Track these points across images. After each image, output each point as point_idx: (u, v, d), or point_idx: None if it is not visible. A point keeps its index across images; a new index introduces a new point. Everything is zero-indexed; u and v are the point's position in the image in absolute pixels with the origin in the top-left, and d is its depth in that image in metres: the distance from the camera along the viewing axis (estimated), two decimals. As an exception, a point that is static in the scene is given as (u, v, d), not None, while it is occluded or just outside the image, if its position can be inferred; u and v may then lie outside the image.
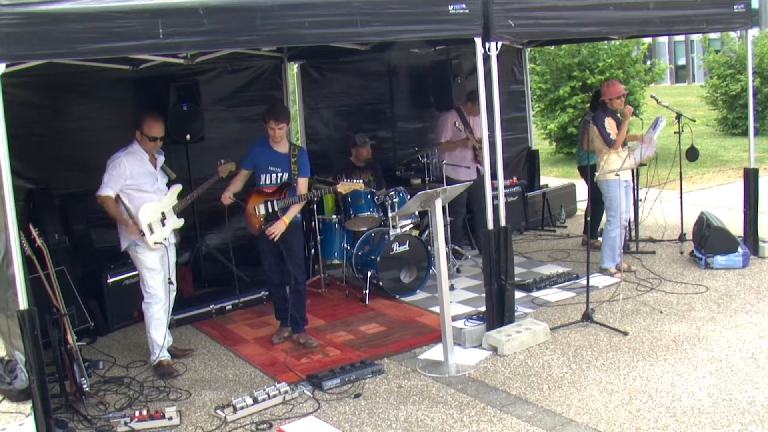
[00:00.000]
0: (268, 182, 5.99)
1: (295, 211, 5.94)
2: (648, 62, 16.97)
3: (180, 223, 5.87)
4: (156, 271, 5.64)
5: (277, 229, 5.83)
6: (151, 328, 5.67)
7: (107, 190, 5.50)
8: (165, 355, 5.73)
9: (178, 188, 5.85)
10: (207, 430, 4.73)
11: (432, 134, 9.58)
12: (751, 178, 7.61)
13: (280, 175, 5.97)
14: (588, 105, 9.98)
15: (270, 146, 5.98)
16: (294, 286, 6.07)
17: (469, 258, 8.13)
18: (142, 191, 5.58)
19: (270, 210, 5.92)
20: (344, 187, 6.00)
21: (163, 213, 5.67)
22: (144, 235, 5.51)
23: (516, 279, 6.26)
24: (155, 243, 5.57)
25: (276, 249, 6.06)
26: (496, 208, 5.84)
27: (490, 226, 5.80)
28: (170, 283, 5.80)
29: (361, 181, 6.15)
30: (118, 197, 5.54)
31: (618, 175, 6.99)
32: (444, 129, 8.12)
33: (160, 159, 5.80)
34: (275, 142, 5.95)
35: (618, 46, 14.62)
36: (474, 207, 8.21)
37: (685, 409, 4.56)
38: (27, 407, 4.98)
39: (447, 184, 6.85)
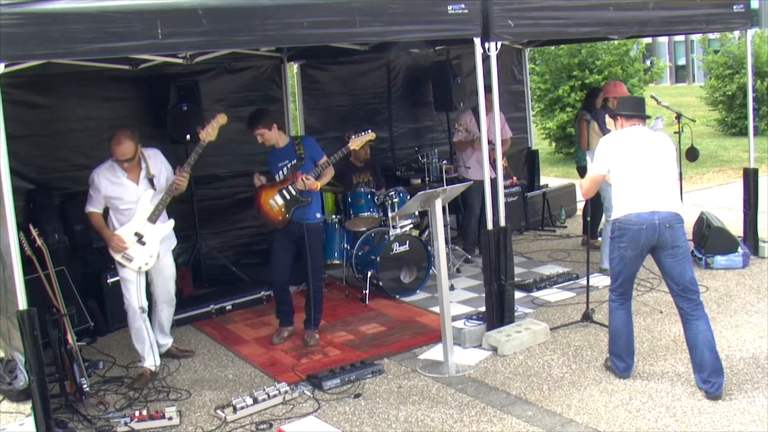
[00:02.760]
0: (280, 178, 6.03)
1: (326, 177, 6.00)
2: (647, 61, 16.99)
3: (167, 227, 5.54)
4: (129, 281, 5.43)
5: (308, 183, 5.80)
6: (133, 339, 5.55)
7: (89, 207, 5.43)
8: (150, 365, 5.56)
9: (148, 194, 5.41)
10: (207, 430, 4.73)
11: (431, 134, 9.62)
12: (750, 178, 7.61)
13: (289, 164, 5.99)
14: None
15: (275, 148, 6.04)
16: (308, 287, 6.07)
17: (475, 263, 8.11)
18: (125, 205, 5.37)
19: (288, 197, 5.91)
20: (356, 142, 5.94)
21: (137, 233, 5.36)
22: (124, 266, 5.39)
23: (516, 279, 6.26)
24: (139, 268, 5.41)
25: (290, 249, 6.07)
26: (495, 208, 5.85)
27: (490, 226, 5.80)
28: (143, 311, 5.46)
29: (369, 130, 6.06)
30: (107, 213, 5.44)
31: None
32: (455, 129, 8.16)
33: (154, 161, 5.48)
34: (274, 145, 6.01)
35: (617, 45, 14.63)
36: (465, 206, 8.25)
37: (685, 409, 4.56)
38: (27, 407, 4.98)
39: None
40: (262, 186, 6.05)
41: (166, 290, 5.71)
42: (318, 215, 6.10)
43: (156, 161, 5.55)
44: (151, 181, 5.44)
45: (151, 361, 5.56)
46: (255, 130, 5.91)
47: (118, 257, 5.39)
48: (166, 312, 5.79)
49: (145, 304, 5.51)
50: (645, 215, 4.71)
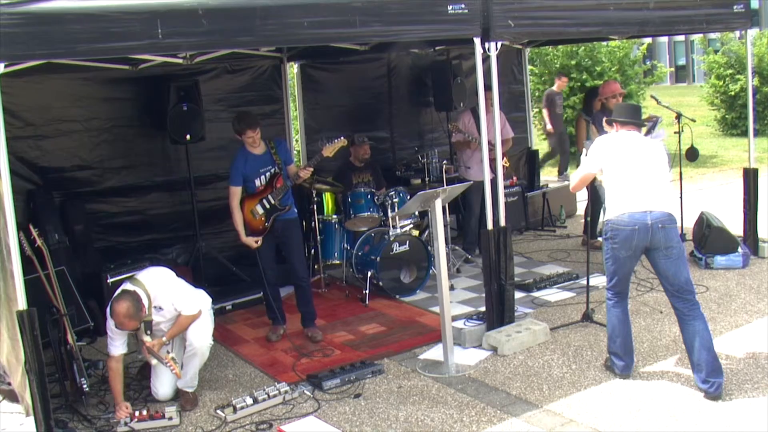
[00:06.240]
0: (261, 183, 6.05)
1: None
2: (648, 62, 16.97)
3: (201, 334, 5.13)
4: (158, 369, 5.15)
5: (304, 173, 5.94)
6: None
7: (112, 351, 4.99)
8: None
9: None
10: (207, 430, 4.74)
11: (431, 134, 9.62)
12: (750, 178, 7.61)
13: (271, 170, 6.04)
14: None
15: (251, 152, 6.01)
16: (297, 282, 6.14)
17: (475, 263, 8.11)
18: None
19: (268, 206, 6.00)
20: (328, 150, 6.01)
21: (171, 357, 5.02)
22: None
23: (516, 279, 6.26)
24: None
25: (274, 248, 6.13)
26: (495, 208, 5.85)
27: (490, 226, 5.80)
28: None
29: (342, 137, 6.12)
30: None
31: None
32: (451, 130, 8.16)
33: (158, 304, 5.03)
34: (253, 147, 6.00)
35: (614, 50, 14.59)
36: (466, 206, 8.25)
37: (685, 409, 4.55)
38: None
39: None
40: (245, 196, 6.04)
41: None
42: (294, 209, 6.21)
43: (164, 305, 5.09)
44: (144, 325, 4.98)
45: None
46: (254, 129, 5.91)
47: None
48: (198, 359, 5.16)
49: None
50: (638, 215, 4.73)
